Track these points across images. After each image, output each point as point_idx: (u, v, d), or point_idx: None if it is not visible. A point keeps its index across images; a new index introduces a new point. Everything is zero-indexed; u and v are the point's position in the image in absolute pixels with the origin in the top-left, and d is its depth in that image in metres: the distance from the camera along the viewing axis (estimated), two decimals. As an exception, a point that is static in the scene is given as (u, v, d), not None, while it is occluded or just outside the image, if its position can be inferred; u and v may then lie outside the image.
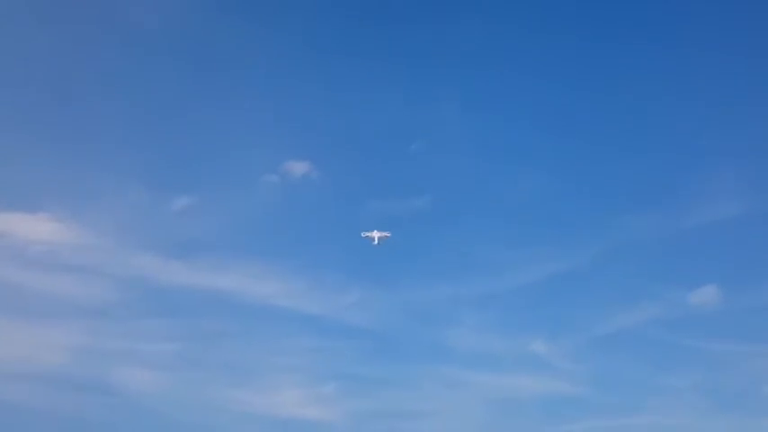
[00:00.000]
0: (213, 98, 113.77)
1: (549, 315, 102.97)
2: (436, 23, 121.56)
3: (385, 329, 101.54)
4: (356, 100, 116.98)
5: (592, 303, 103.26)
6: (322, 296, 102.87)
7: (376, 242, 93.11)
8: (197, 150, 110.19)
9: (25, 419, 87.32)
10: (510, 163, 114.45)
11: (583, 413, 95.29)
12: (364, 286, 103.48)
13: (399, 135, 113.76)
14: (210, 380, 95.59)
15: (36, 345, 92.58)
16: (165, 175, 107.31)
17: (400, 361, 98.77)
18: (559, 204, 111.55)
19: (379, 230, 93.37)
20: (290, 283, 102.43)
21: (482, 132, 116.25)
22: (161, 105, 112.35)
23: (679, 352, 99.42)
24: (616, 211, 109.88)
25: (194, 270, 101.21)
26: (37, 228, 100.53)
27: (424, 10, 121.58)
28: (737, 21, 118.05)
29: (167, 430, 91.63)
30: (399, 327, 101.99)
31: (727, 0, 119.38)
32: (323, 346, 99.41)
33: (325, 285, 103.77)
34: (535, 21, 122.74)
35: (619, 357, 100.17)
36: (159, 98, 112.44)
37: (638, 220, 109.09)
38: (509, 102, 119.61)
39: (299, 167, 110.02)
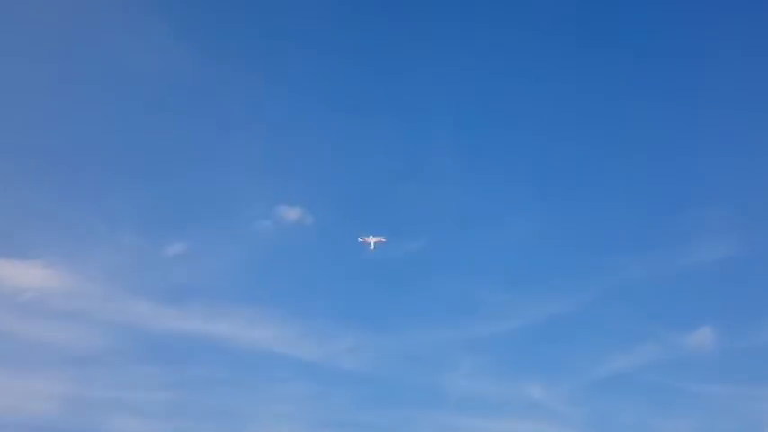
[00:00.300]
0: (205, 144, 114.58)
1: (546, 358, 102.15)
2: (426, 68, 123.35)
3: (380, 374, 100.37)
4: (347, 144, 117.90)
5: (589, 346, 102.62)
6: (316, 342, 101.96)
7: (372, 248, 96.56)
8: (190, 196, 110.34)
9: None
10: (504, 204, 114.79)
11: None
12: (359, 331, 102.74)
13: (392, 178, 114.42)
14: (203, 428, 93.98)
15: (24, 393, 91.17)
16: (157, 221, 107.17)
17: (395, 406, 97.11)
18: (555, 246, 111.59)
19: (374, 236, 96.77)
20: (283, 329, 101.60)
21: (476, 174, 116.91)
22: (153, 151, 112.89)
23: (677, 395, 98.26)
24: (612, 252, 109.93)
25: (187, 316, 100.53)
26: (28, 274, 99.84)
27: (414, 54, 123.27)
28: (730, 71, 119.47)
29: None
30: (394, 371, 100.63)
31: (714, 46, 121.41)
32: (317, 393, 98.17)
33: (319, 330, 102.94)
34: (522, 65, 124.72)
35: (616, 401, 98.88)
36: (151, 143, 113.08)
37: (634, 260, 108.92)
38: (502, 144, 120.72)
39: (291, 212, 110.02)
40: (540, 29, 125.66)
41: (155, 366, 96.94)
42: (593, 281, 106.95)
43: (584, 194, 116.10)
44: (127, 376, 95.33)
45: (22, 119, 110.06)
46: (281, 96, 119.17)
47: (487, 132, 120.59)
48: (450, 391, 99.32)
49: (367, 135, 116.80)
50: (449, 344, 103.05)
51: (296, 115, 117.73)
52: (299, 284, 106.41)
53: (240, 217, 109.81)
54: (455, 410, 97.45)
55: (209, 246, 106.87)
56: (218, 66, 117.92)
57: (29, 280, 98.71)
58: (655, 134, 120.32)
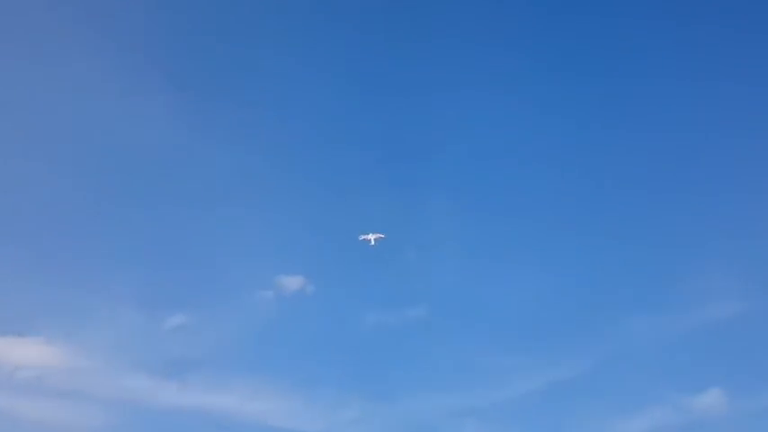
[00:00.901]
0: (204, 215, 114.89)
1: (552, 424, 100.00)
2: (419, 134, 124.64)
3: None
4: (346, 212, 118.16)
5: (595, 411, 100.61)
6: (319, 413, 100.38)
7: (372, 243, 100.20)
8: (189, 267, 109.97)
9: None
10: (505, 268, 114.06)
11: None
12: (362, 401, 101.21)
13: (391, 245, 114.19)
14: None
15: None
16: (157, 294, 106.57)
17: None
18: (557, 309, 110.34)
19: (374, 233, 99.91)
20: (286, 401, 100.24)
21: (474, 239, 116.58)
22: (152, 223, 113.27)
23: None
24: (615, 314, 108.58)
25: (188, 390, 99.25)
26: (27, 352, 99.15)
27: (408, 121, 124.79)
28: (731, 134, 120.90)
29: None
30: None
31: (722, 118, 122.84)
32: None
33: (322, 401, 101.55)
34: (521, 125, 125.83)
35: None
36: (150, 216, 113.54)
37: (639, 322, 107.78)
38: (501, 207, 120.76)
39: (292, 282, 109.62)
40: (539, 87, 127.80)
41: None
42: (597, 344, 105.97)
43: (585, 256, 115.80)
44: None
45: (19, 199, 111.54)
46: (279, 168, 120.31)
47: (485, 196, 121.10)
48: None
49: (364, 204, 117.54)
50: (454, 411, 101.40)
51: (294, 187, 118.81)
52: (301, 355, 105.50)
53: (240, 288, 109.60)
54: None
55: (209, 317, 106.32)
56: (214, 141, 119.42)
57: (28, 357, 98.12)
58: (657, 194, 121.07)
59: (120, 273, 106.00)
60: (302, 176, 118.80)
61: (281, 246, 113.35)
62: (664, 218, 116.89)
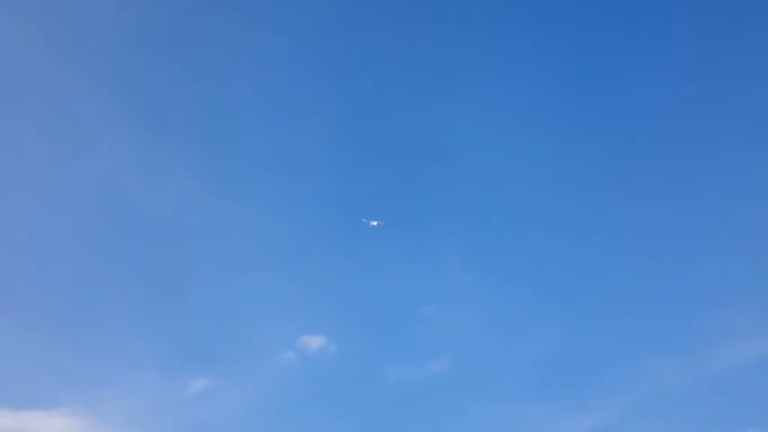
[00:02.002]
0: (224, 280, 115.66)
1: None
2: (441, 184, 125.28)
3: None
4: (365, 269, 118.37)
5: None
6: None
7: (375, 224, 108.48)
8: (210, 331, 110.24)
9: None
10: (527, 318, 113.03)
11: None
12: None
13: (411, 300, 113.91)
14: None
15: None
16: (178, 359, 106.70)
17: None
18: (581, 357, 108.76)
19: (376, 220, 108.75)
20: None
21: (494, 289, 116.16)
22: (172, 288, 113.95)
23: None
24: (643, 359, 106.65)
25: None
26: (53, 424, 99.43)
27: (428, 171, 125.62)
28: (754, 173, 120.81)
29: None
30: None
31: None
32: None
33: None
34: (538, 172, 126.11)
35: None
36: (170, 281, 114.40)
37: (668, 366, 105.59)
38: (522, 256, 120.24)
39: (314, 342, 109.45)
40: (553, 133, 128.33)
41: None
42: (626, 390, 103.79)
43: (609, 301, 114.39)
44: None
45: (38, 264, 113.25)
46: (297, 228, 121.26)
47: (506, 246, 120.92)
48: None
49: (383, 260, 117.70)
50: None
51: (313, 247, 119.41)
52: (325, 415, 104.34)
53: (263, 350, 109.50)
54: None
55: (231, 381, 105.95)
56: (233, 204, 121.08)
57: (55, 429, 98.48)
58: (679, 235, 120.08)
59: (142, 338, 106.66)
60: (319, 239, 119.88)
61: (301, 306, 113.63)
62: (687, 259, 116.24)
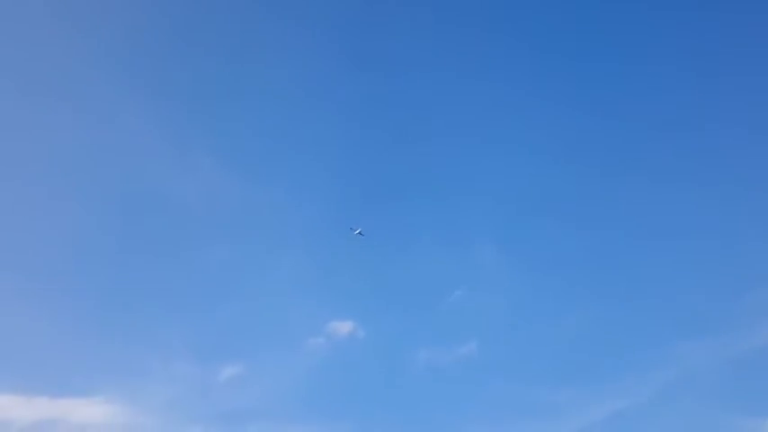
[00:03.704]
0: (254, 267, 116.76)
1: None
2: (468, 163, 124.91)
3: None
4: (395, 255, 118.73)
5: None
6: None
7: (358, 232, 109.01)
8: (241, 319, 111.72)
9: None
10: (556, 300, 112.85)
11: None
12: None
13: (440, 285, 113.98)
14: None
15: None
16: (210, 347, 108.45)
17: None
18: (612, 335, 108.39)
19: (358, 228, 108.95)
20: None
21: (523, 275, 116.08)
22: (202, 278, 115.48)
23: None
24: (672, 341, 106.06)
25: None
26: (90, 411, 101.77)
27: (455, 150, 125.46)
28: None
29: None
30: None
31: None
32: None
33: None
34: (567, 157, 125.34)
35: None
36: (201, 269, 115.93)
37: (697, 347, 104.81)
38: (550, 238, 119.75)
39: (343, 327, 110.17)
40: (580, 114, 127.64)
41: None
42: (655, 372, 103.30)
43: (638, 283, 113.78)
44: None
45: (74, 256, 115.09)
46: (324, 214, 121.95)
47: (533, 229, 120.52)
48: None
49: (412, 246, 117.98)
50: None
51: (342, 234, 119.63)
52: (354, 399, 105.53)
53: (293, 336, 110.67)
54: None
55: (262, 367, 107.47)
56: (261, 190, 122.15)
57: (90, 417, 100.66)
58: (710, 217, 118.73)
59: (174, 326, 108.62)
60: (347, 224, 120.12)
61: (330, 292, 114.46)
62: (714, 235, 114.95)
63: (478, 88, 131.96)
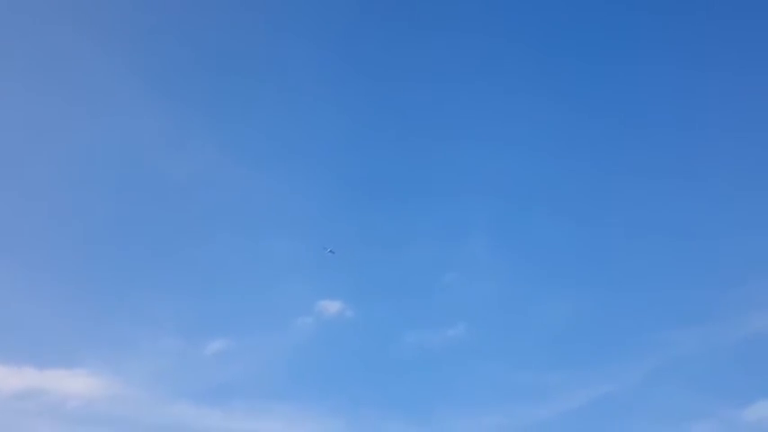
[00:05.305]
0: (245, 243, 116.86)
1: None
2: (462, 155, 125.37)
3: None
4: (386, 236, 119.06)
5: (642, 426, 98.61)
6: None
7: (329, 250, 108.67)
8: (230, 295, 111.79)
9: None
10: (546, 285, 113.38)
11: None
12: (403, 422, 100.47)
13: (431, 269, 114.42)
14: None
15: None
16: (198, 321, 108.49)
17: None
18: (600, 323, 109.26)
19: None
20: (327, 424, 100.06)
21: (513, 261, 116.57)
22: (193, 251, 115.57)
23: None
24: (661, 328, 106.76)
25: (229, 416, 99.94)
26: (74, 383, 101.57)
27: (449, 143, 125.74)
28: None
29: None
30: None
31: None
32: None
33: (363, 424, 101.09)
34: (559, 148, 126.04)
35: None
36: (190, 245, 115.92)
37: (685, 336, 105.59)
38: (541, 225, 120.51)
39: (332, 306, 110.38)
40: (574, 111, 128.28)
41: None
42: (642, 358, 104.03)
43: (628, 273, 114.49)
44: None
45: (63, 229, 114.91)
46: (317, 192, 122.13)
47: (526, 220, 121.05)
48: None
49: (403, 228, 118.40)
50: (497, 430, 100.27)
51: (332, 211, 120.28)
52: (341, 378, 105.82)
53: (281, 313, 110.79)
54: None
55: (250, 344, 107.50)
56: (258, 176, 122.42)
57: (74, 388, 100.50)
58: (701, 211, 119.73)
59: (162, 300, 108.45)
60: (340, 208, 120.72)
61: (320, 272, 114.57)
62: (703, 228, 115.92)
63: (473, 84, 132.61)
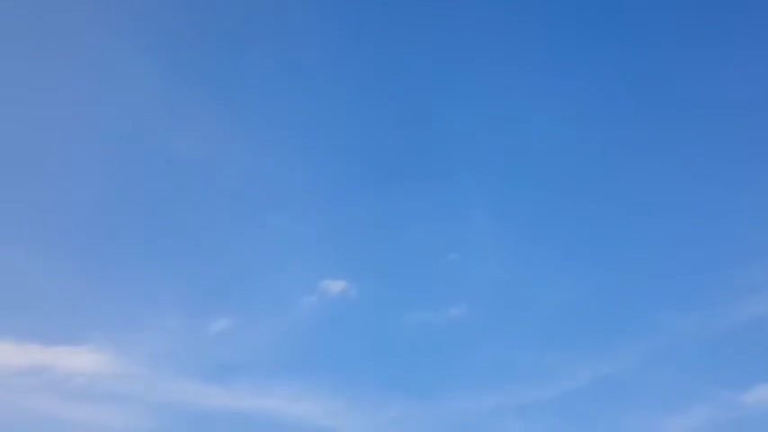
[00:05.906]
0: (247, 222, 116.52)
1: (597, 421, 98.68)
2: (466, 134, 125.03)
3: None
4: (390, 216, 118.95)
5: (641, 408, 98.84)
6: (360, 414, 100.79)
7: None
8: (233, 274, 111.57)
9: None
10: (546, 268, 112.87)
11: None
12: (403, 401, 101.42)
13: (434, 249, 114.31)
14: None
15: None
16: (201, 299, 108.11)
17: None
18: (600, 305, 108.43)
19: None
20: (328, 403, 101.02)
21: (517, 242, 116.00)
22: (195, 230, 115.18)
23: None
24: (659, 312, 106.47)
25: (232, 393, 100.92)
26: (79, 360, 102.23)
27: (452, 122, 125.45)
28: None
29: None
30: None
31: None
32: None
33: (364, 402, 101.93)
34: (563, 131, 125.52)
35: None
36: (193, 223, 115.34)
37: (683, 319, 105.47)
38: (542, 208, 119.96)
39: (335, 286, 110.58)
40: (577, 96, 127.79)
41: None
42: (640, 341, 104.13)
43: (628, 255, 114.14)
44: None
45: (65, 207, 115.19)
46: (321, 172, 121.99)
47: (529, 202, 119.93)
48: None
49: (407, 208, 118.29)
50: (497, 410, 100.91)
51: (336, 191, 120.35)
52: (343, 357, 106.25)
53: (283, 292, 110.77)
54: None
55: (253, 321, 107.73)
56: (258, 151, 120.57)
57: (79, 365, 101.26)
58: (698, 192, 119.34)
59: (165, 278, 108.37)
60: (343, 187, 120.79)
61: (323, 251, 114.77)
62: (705, 216, 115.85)
63: (478, 59, 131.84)
